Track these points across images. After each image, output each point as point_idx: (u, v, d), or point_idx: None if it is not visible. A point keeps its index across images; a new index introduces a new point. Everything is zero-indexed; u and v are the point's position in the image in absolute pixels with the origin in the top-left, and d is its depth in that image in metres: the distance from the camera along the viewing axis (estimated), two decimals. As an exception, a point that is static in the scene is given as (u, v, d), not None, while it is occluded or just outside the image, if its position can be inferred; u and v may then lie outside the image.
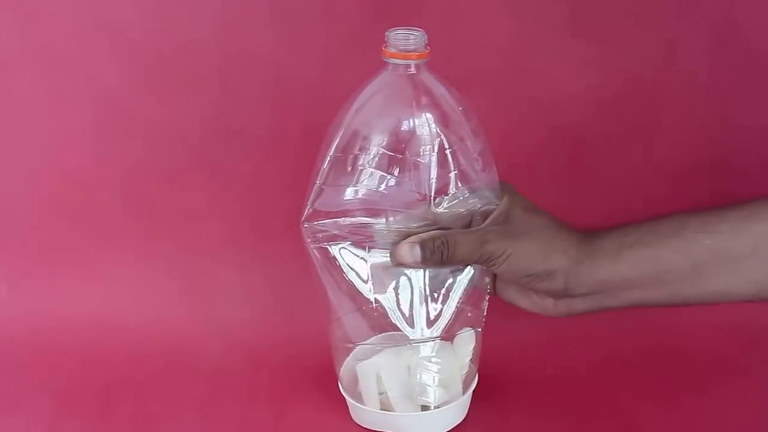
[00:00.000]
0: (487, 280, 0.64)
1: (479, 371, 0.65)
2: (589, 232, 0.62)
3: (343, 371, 0.66)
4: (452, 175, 0.59)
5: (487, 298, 0.64)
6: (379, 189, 0.59)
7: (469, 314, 0.64)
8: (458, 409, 0.65)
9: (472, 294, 0.63)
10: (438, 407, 0.63)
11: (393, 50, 0.57)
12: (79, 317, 0.77)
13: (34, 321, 0.76)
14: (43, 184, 0.78)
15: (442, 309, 0.62)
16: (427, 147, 0.58)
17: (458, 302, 0.62)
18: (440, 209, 0.60)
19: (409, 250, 0.59)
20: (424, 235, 0.59)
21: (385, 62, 0.58)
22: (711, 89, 0.77)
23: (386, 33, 0.58)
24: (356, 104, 0.59)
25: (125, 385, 0.70)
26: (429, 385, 0.63)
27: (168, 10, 0.74)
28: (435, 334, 0.62)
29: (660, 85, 0.77)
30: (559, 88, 0.77)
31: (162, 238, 0.79)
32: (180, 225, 0.79)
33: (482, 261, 0.59)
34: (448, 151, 0.59)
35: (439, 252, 0.58)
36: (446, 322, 0.62)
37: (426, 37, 0.58)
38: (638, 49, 0.76)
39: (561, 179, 0.79)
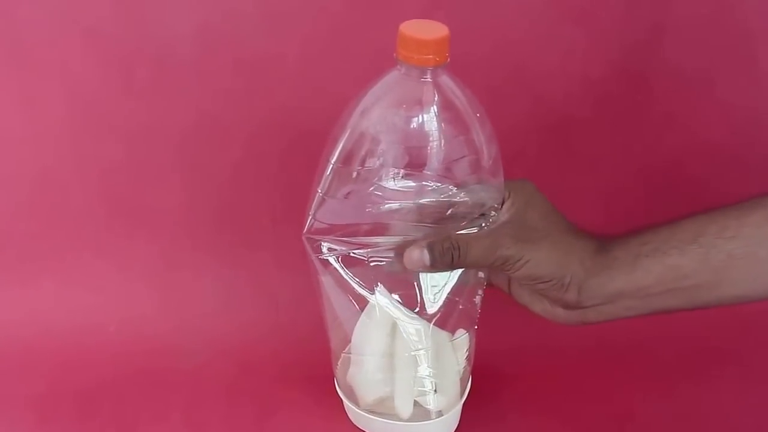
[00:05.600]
0: (482, 274, 0.59)
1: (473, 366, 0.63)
2: (604, 240, 0.57)
3: (340, 372, 0.62)
4: (461, 184, 0.54)
5: (480, 293, 0.59)
6: (384, 201, 0.53)
7: (461, 306, 0.59)
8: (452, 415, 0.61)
9: (466, 289, 0.58)
10: (438, 412, 0.60)
11: (407, 52, 0.50)
12: (59, 322, 0.71)
13: (12, 327, 0.70)
14: (18, 187, 0.71)
15: (437, 300, 0.58)
16: (438, 157, 0.52)
17: (451, 291, 0.58)
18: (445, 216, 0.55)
19: (419, 254, 0.54)
20: (432, 238, 0.54)
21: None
22: (700, 70, 0.74)
23: (400, 28, 0.50)
24: (361, 106, 0.52)
25: (106, 390, 0.65)
26: (427, 391, 0.60)
27: (144, 4, 0.67)
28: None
29: (648, 66, 0.74)
30: (545, 71, 0.72)
31: (142, 240, 0.73)
32: (160, 225, 0.73)
33: (497, 265, 0.55)
34: (459, 161, 0.53)
35: (449, 254, 0.54)
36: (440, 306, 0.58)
37: (448, 36, 0.50)
38: (625, 31, 0.72)
39: (548, 164, 0.75)
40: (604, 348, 0.71)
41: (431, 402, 0.60)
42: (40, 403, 0.64)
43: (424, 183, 0.53)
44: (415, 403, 0.60)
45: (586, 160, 0.76)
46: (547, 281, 0.55)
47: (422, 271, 0.56)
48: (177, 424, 0.62)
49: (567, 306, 0.57)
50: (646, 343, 0.72)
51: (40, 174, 0.71)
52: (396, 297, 0.58)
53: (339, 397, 0.63)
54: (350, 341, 0.60)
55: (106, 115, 0.69)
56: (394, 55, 0.51)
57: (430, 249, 0.54)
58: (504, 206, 0.57)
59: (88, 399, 0.64)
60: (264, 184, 0.72)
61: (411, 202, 0.54)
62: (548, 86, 0.73)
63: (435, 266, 0.54)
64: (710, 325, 0.71)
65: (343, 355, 0.61)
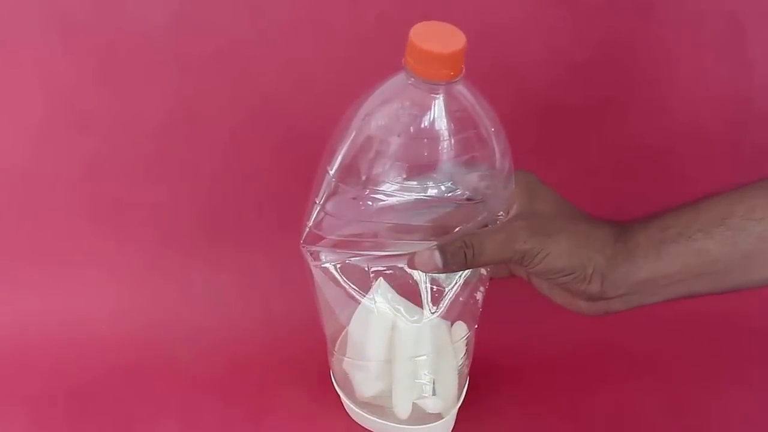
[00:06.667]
0: (484, 271, 0.57)
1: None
2: (623, 226, 0.54)
3: (337, 369, 0.61)
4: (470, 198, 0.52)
5: (482, 290, 0.58)
6: (385, 216, 0.51)
7: (461, 300, 0.57)
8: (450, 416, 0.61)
9: (468, 285, 0.57)
10: (437, 414, 0.60)
11: (418, 64, 0.46)
12: (49, 322, 0.68)
13: (2, 327, 0.68)
14: (1, 186, 0.68)
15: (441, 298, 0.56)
16: (447, 175, 0.50)
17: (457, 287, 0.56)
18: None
19: (429, 257, 0.52)
20: (443, 240, 0.52)
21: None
22: (686, 55, 0.73)
23: (410, 35, 0.45)
24: (363, 112, 0.49)
25: (99, 389, 0.64)
26: (425, 396, 0.59)
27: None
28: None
29: (633, 50, 0.72)
30: (528, 54, 0.70)
31: (130, 238, 0.70)
32: (149, 223, 0.70)
33: (515, 260, 0.52)
34: (471, 177, 0.51)
35: (462, 254, 0.51)
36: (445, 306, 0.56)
37: (465, 47, 0.46)
38: (610, 14, 0.70)
39: (534, 151, 0.71)
40: (603, 345, 0.71)
41: (430, 405, 0.59)
42: (33, 403, 0.62)
43: (428, 194, 0.51)
44: (413, 404, 0.59)
45: (573, 147, 0.74)
46: (569, 274, 0.52)
47: (434, 273, 0.53)
48: (171, 424, 0.61)
49: (590, 298, 0.54)
50: (644, 341, 0.71)
51: (23, 172, 0.68)
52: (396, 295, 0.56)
53: (335, 393, 0.62)
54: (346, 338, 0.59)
55: (84, 108, 0.66)
56: (402, 62, 0.47)
57: (442, 250, 0.52)
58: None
59: (80, 399, 0.63)
60: (251, 179, 0.70)
61: (414, 209, 0.52)
62: (532, 72, 0.71)
63: (447, 267, 0.52)
64: (709, 322, 0.72)
65: (340, 357, 0.60)
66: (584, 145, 0.74)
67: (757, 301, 0.72)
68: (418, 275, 0.56)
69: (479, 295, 0.58)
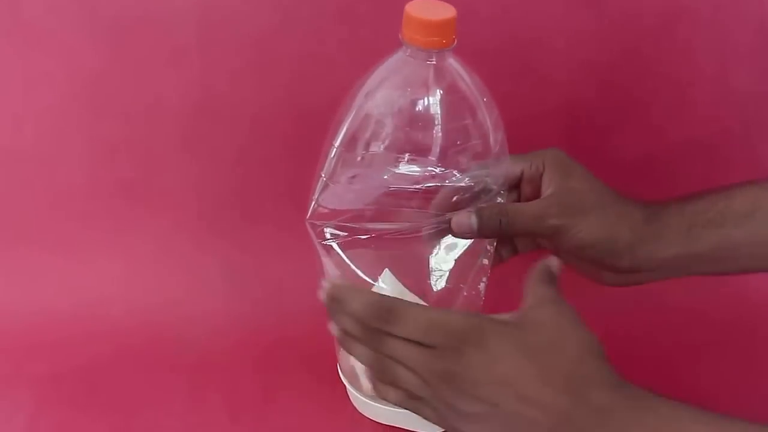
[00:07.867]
0: (486, 261, 0.57)
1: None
2: (654, 207, 0.56)
3: (343, 359, 0.61)
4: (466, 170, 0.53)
5: (484, 280, 0.58)
6: (388, 185, 0.52)
7: (465, 294, 0.57)
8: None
9: (470, 275, 0.57)
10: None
11: (412, 33, 0.48)
12: (61, 302, 0.70)
13: (9, 306, 0.69)
14: (21, 167, 0.70)
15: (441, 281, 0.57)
16: (443, 141, 0.51)
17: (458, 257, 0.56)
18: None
19: (466, 219, 0.53)
20: (481, 204, 0.54)
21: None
22: (710, 59, 0.72)
23: (406, 8, 0.48)
24: (365, 89, 0.51)
25: (108, 371, 0.65)
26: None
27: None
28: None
29: (657, 55, 0.72)
30: (554, 59, 0.71)
31: (145, 222, 0.71)
32: (164, 207, 0.71)
33: (547, 234, 0.54)
34: (464, 145, 0.52)
35: (497, 220, 0.53)
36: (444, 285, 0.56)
37: (455, 17, 0.48)
38: (635, 19, 0.70)
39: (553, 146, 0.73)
40: (608, 335, 0.68)
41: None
42: (40, 383, 0.63)
43: (428, 168, 0.52)
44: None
45: (594, 146, 0.73)
46: (600, 249, 0.54)
47: (469, 237, 0.55)
48: (179, 407, 0.62)
49: (618, 271, 0.55)
50: (649, 332, 0.71)
51: (37, 151, 0.69)
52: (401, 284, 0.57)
53: (342, 384, 0.62)
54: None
55: (105, 90, 0.68)
56: (399, 36, 0.49)
57: (479, 214, 0.53)
58: (543, 178, 0.56)
59: (86, 380, 0.64)
60: (267, 166, 0.71)
61: (415, 187, 0.53)
62: (557, 74, 0.71)
63: (482, 231, 0.54)
64: (714, 311, 0.72)
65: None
66: (605, 144, 0.74)
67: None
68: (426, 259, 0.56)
69: (482, 286, 0.58)
